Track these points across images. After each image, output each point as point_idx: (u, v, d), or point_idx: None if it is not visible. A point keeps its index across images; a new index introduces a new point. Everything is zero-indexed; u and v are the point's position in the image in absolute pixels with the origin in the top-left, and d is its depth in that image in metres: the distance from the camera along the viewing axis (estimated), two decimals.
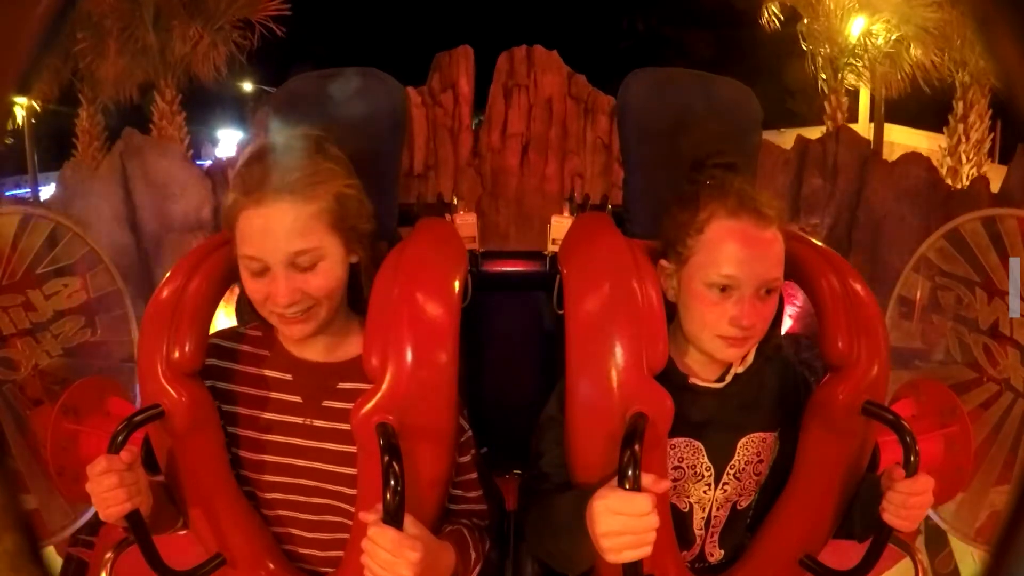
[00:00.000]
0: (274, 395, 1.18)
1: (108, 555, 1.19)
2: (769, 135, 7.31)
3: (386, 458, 0.96)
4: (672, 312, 1.16)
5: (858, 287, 1.19)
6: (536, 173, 7.94)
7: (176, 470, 1.14)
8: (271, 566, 1.17)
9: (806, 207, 7.13)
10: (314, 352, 1.19)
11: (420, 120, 7.69)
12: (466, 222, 1.66)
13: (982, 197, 6.71)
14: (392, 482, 0.95)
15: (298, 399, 1.18)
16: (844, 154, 7.06)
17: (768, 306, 1.11)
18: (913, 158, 7.00)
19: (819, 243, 1.28)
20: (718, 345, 1.12)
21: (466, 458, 1.21)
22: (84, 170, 6.63)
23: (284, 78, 1.37)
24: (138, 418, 1.06)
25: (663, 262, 1.17)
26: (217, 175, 6.77)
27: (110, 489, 1.00)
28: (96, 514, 1.04)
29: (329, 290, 1.09)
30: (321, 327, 1.12)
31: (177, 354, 1.11)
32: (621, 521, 0.92)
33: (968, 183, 7.73)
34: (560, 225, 1.68)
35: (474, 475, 1.23)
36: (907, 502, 1.05)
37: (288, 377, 1.19)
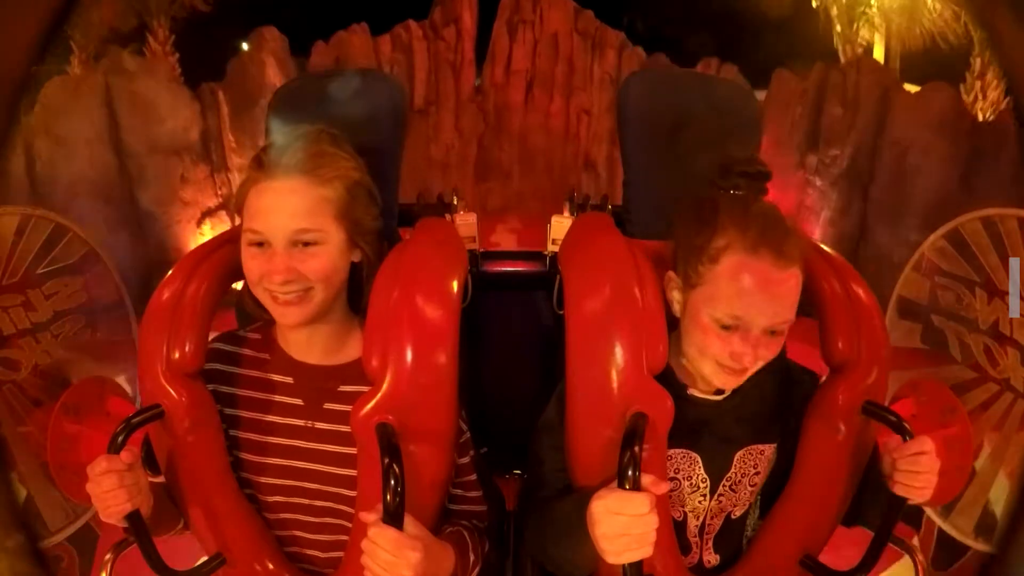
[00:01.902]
0: (275, 398, 1.18)
1: (108, 556, 1.19)
2: None
3: (386, 459, 0.96)
4: (673, 315, 1.16)
5: (858, 288, 1.19)
6: (541, 110, 7.66)
7: (176, 470, 1.14)
8: (270, 566, 1.17)
9: (825, 137, 6.60)
10: (314, 355, 1.19)
11: (421, 54, 7.42)
12: (466, 222, 1.65)
13: (1008, 130, 6.23)
14: (392, 482, 0.95)
15: (299, 402, 1.18)
16: (865, 83, 6.57)
17: (775, 343, 1.08)
18: (938, 87, 6.36)
19: (820, 244, 1.28)
20: (715, 371, 1.10)
21: (465, 459, 1.21)
22: (68, 88, 6.13)
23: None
24: (138, 418, 1.07)
25: (671, 274, 1.14)
26: (207, 97, 6.34)
27: (110, 490, 1.00)
28: (96, 513, 1.04)
29: (324, 275, 1.10)
30: (314, 315, 1.12)
31: (177, 354, 1.11)
32: (621, 522, 0.92)
33: (995, 115, 7.33)
34: (560, 225, 1.67)
35: (473, 476, 1.23)
36: (917, 463, 1.03)
37: (289, 380, 1.19)
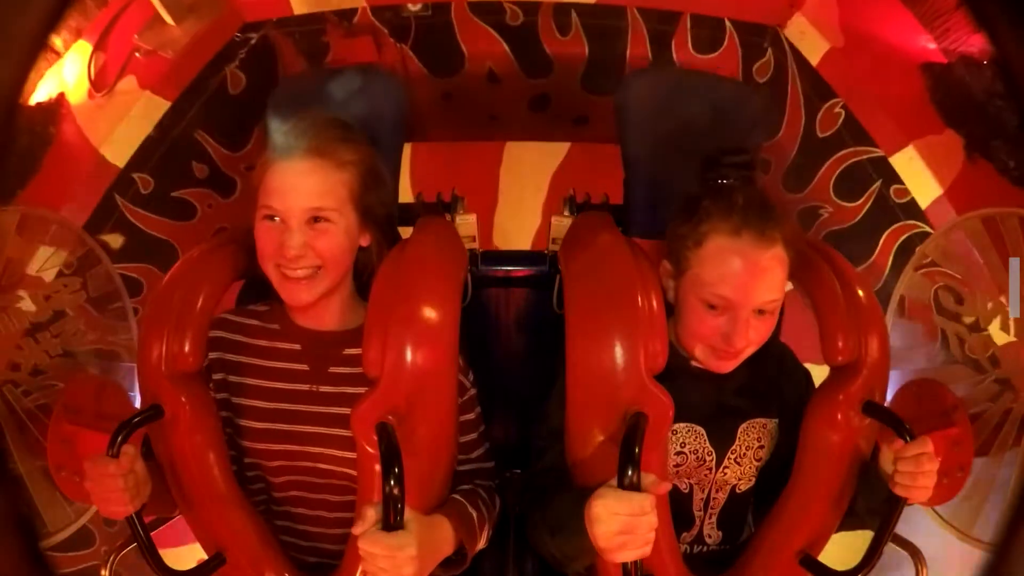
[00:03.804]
0: (282, 365, 1.20)
1: (105, 565, 1.20)
2: None
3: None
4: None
5: (858, 288, 1.19)
6: None
7: (176, 470, 1.14)
8: (271, 567, 1.17)
9: None
10: (321, 322, 1.21)
11: None
12: (466, 222, 1.65)
13: None
14: (391, 483, 0.95)
15: (305, 367, 1.20)
16: None
17: (764, 324, 1.12)
18: None
19: (819, 242, 1.28)
20: (708, 355, 1.14)
21: (470, 416, 1.22)
22: None
23: None
24: (137, 419, 1.07)
25: (665, 263, 1.18)
26: None
27: (113, 492, 1.01)
28: (96, 513, 1.04)
29: (334, 255, 1.13)
30: (321, 296, 1.15)
31: (176, 355, 1.11)
32: (620, 521, 0.92)
33: None
34: (560, 225, 1.67)
35: (476, 434, 1.24)
36: (918, 464, 1.03)
37: (297, 347, 1.21)
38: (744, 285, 1.07)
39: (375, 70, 1.42)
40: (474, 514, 1.15)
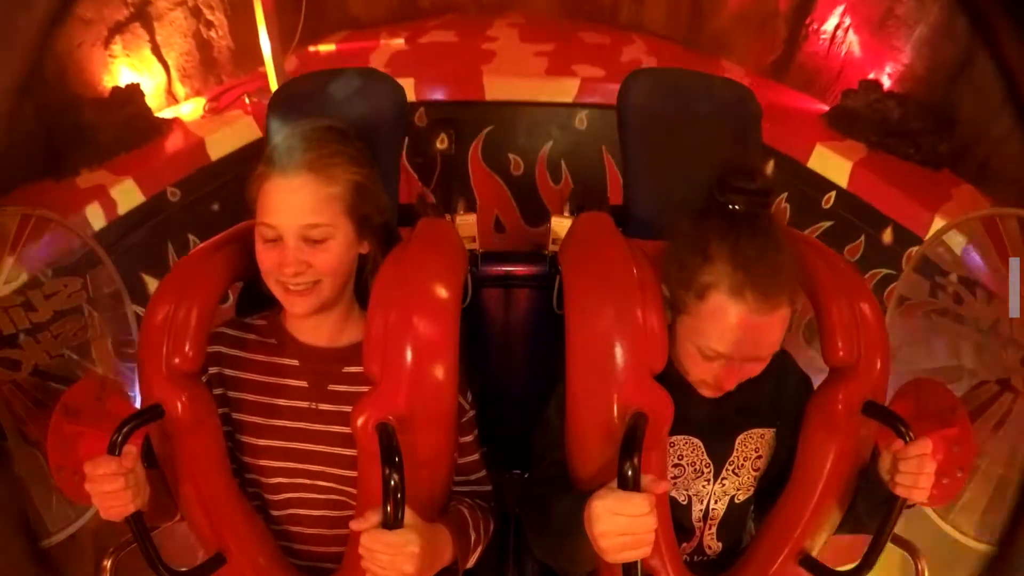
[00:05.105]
0: (281, 381, 1.20)
1: (106, 563, 1.19)
2: None
3: (387, 469, 0.96)
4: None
5: (858, 287, 1.19)
6: None
7: (176, 470, 1.14)
8: (271, 567, 1.17)
9: None
10: (319, 337, 1.21)
11: None
12: (466, 222, 1.66)
13: None
14: (393, 483, 0.95)
15: (304, 384, 1.20)
16: None
17: (759, 367, 1.11)
18: None
19: (819, 243, 1.27)
20: (700, 385, 1.14)
21: (468, 438, 1.22)
22: None
23: None
24: (137, 419, 1.06)
25: (663, 286, 1.14)
26: None
27: (114, 491, 1.01)
28: (96, 513, 1.04)
29: (333, 268, 1.13)
30: (322, 305, 1.15)
31: (177, 355, 1.11)
32: (620, 521, 0.92)
33: None
34: (560, 225, 1.68)
35: (476, 456, 1.24)
36: (919, 465, 1.03)
37: (295, 363, 1.21)
38: (740, 344, 1.05)
39: (374, 72, 1.41)
40: (472, 536, 1.16)
